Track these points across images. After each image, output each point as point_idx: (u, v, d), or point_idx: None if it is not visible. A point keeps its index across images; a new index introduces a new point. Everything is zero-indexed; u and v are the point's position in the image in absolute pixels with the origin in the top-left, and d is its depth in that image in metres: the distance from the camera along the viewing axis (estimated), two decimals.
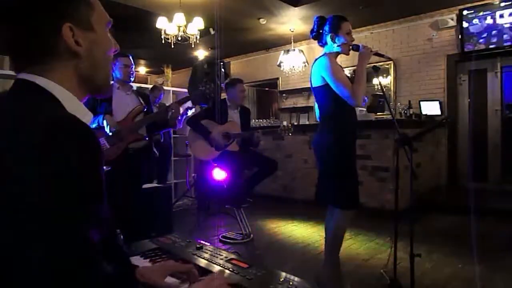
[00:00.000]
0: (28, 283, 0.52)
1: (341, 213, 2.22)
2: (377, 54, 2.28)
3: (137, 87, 3.06)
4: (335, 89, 2.13)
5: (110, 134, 2.63)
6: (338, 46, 2.21)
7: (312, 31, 2.32)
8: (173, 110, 2.79)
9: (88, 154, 0.59)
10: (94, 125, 2.68)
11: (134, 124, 2.78)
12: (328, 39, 2.22)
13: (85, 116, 0.73)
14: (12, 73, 0.75)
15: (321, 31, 2.27)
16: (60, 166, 0.54)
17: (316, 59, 2.26)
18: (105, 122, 2.63)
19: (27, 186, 0.53)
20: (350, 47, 2.23)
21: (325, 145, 2.23)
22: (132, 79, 2.97)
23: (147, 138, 2.91)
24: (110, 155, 2.66)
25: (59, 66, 0.71)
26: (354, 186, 2.26)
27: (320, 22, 2.28)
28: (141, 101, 2.93)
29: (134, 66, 2.95)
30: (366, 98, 2.54)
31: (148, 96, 3.16)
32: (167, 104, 3.97)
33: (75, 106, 0.71)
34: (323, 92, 2.21)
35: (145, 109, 2.91)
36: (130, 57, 2.90)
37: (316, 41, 2.35)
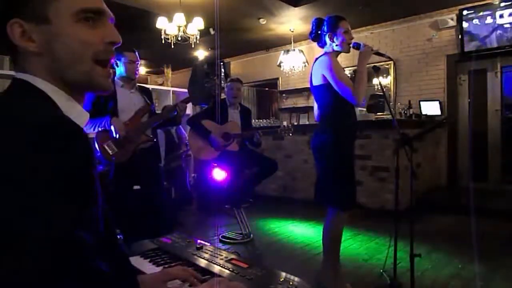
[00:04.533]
0: (21, 283, 0.52)
1: (339, 214, 2.22)
2: (377, 53, 2.29)
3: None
4: (337, 88, 2.13)
5: (117, 138, 2.56)
6: (337, 45, 2.21)
7: (311, 33, 2.34)
8: (180, 109, 2.77)
9: (77, 155, 0.58)
10: (100, 128, 2.60)
11: (142, 125, 2.72)
12: (327, 38, 2.23)
13: (80, 117, 0.71)
14: (12, 73, 0.74)
15: (319, 32, 2.28)
16: (48, 167, 0.54)
17: (317, 58, 2.26)
18: (112, 127, 2.55)
19: (16, 187, 0.53)
20: (350, 45, 2.23)
21: (324, 145, 2.23)
22: (137, 76, 2.87)
23: (155, 140, 2.85)
24: (119, 158, 2.59)
25: (35, 65, 0.68)
26: (353, 187, 2.26)
27: (318, 23, 2.29)
28: (146, 99, 2.87)
29: (139, 62, 2.85)
30: (364, 99, 2.54)
31: (151, 93, 3.05)
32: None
33: (70, 106, 0.70)
34: (323, 91, 2.22)
35: (151, 109, 2.84)
36: (136, 53, 2.79)
37: (315, 42, 2.35)
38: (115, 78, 2.79)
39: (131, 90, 2.83)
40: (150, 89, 3.21)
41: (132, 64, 2.77)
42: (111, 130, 2.56)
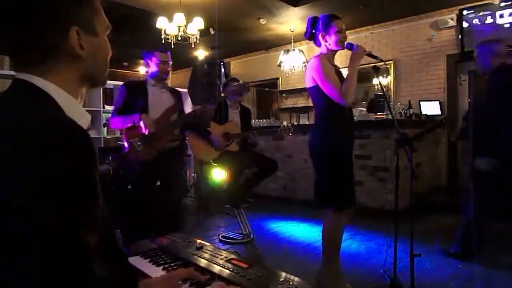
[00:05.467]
0: (22, 284, 0.52)
1: (333, 213, 2.22)
2: (370, 55, 2.26)
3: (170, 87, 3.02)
4: (324, 89, 2.15)
5: (146, 133, 2.61)
6: (329, 44, 2.21)
7: (306, 32, 2.34)
8: (208, 111, 2.81)
9: (80, 156, 0.58)
10: (129, 125, 2.66)
11: (170, 124, 2.76)
12: (320, 38, 2.23)
13: (83, 118, 0.73)
14: (12, 73, 0.75)
15: (313, 31, 2.28)
16: (51, 168, 0.54)
17: (309, 60, 2.27)
18: (141, 123, 2.60)
19: (18, 188, 0.53)
20: (344, 44, 2.21)
21: (317, 145, 2.24)
22: (168, 76, 2.94)
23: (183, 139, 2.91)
24: (145, 156, 2.63)
25: (60, 68, 0.71)
26: (347, 186, 2.24)
27: (313, 22, 2.29)
28: (176, 99, 2.91)
29: (171, 63, 2.90)
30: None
31: (181, 94, 3.11)
32: None
33: (73, 108, 0.71)
34: (315, 93, 2.23)
35: (179, 109, 2.88)
36: (169, 53, 2.85)
37: (312, 42, 2.36)
38: (147, 78, 2.87)
39: (162, 89, 2.88)
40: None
41: (164, 65, 2.82)
42: (140, 126, 2.62)
